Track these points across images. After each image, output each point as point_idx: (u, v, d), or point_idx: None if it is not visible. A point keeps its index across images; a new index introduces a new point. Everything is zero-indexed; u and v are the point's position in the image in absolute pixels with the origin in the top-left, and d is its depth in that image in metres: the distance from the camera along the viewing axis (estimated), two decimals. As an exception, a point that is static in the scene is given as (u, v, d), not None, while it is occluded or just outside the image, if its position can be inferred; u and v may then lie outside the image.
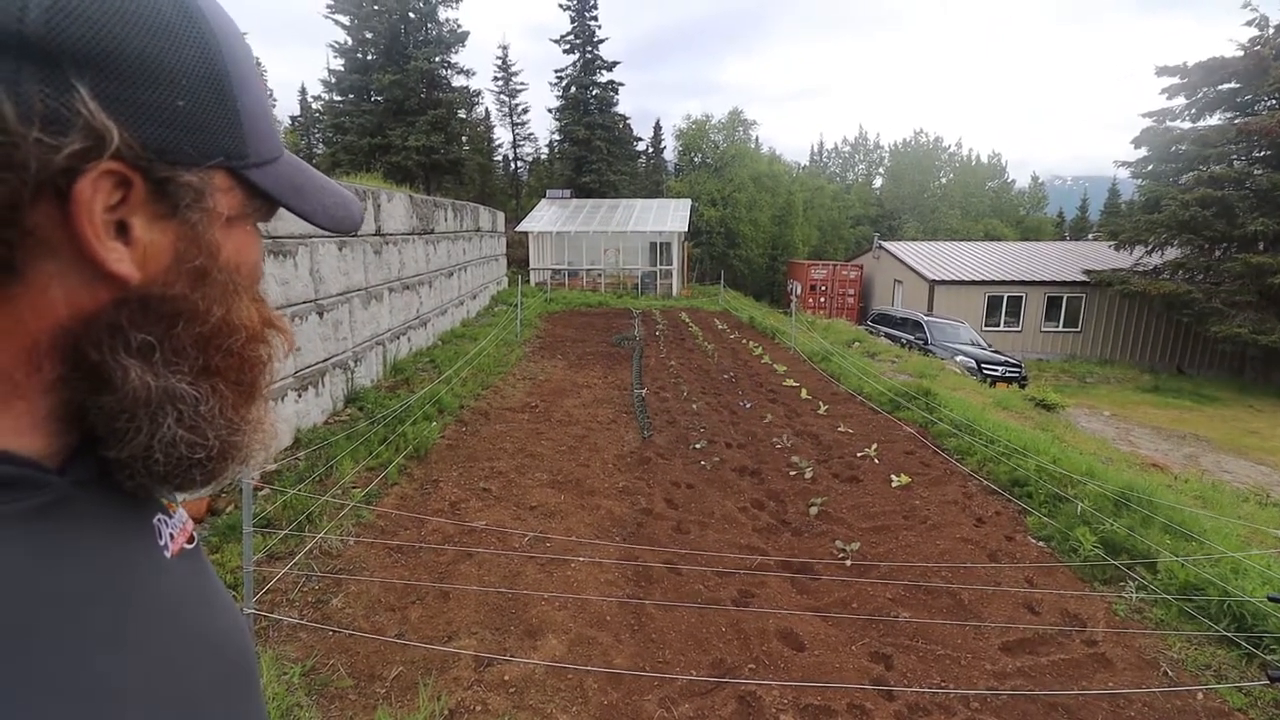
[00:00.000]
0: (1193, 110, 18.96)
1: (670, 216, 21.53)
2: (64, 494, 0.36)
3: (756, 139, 33.97)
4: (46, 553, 0.34)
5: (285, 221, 5.00)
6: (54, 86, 0.31)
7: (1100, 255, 21.04)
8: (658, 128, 37.86)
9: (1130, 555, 3.80)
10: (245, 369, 0.42)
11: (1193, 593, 3.38)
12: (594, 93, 30.54)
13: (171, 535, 0.44)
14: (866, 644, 3.03)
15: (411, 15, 24.48)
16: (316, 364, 5.64)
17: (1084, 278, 19.73)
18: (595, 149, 29.58)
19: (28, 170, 0.30)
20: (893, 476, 5.05)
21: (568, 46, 30.48)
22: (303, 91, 36.85)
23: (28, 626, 0.31)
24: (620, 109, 31.78)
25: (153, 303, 0.37)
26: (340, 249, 6.17)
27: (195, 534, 0.48)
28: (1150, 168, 20.41)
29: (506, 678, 2.70)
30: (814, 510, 4.47)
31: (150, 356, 0.37)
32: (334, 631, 2.93)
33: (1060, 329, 20.29)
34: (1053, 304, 20.21)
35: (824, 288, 25.22)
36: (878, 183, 46.58)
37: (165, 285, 0.37)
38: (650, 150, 37.14)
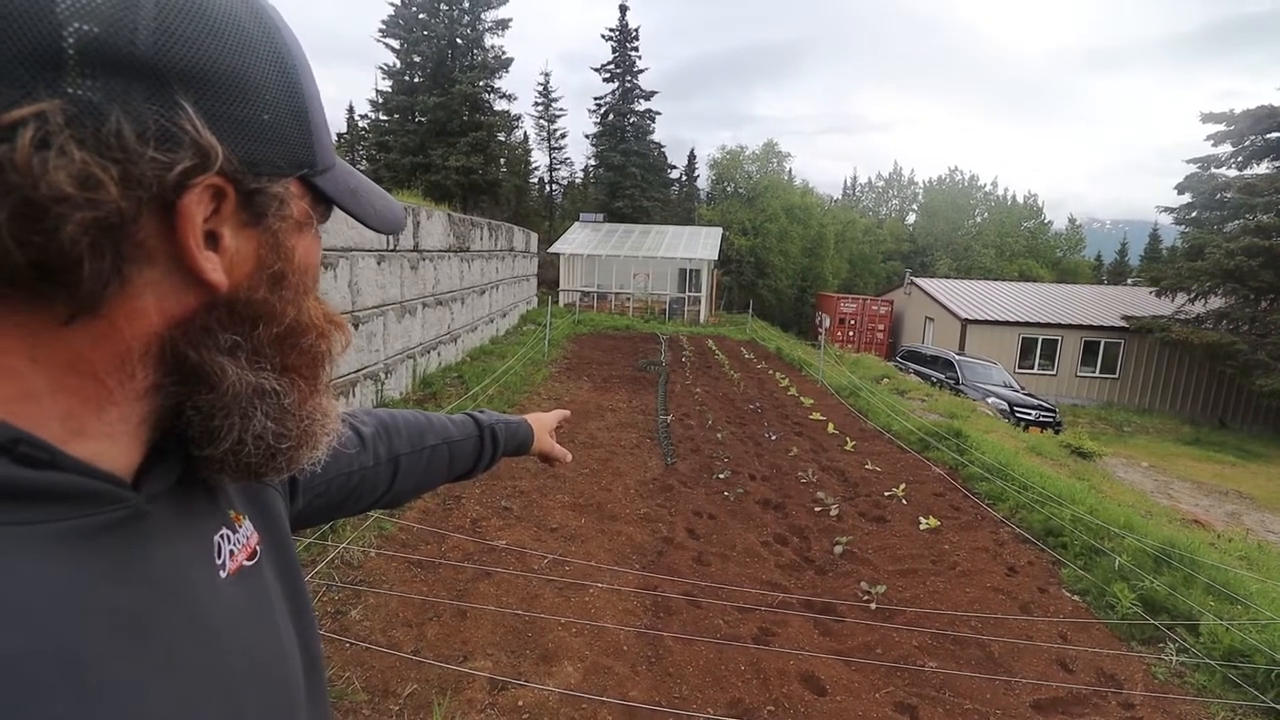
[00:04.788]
0: (1239, 158, 18.56)
1: (701, 244, 21.66)
2: (136, 509, 0.37)
3: (790, 171, 34.20)
4: (112, 571, 0.34)
5: (329, 235, 5.13)
6: (163, 105, 0.32)
7: (1140, 301, 20.52)
8: (692, 156, 38.35)
9: (1171, 615, 3.64)
10: (313, 364, 0.44)
11: (1238, 659, 3.21)
12: (631, 120, 31.12)
13: (232, 552, 0.44)
14: (891, 692, 2.93)
15: (459, 41, 25.34)
16: (349, 374, 5.74)
17: (1123, 323, 19.23)
18: (630, 175, 30.03)
19: (145, 187, 0.31)
20: (921, 518, 4.93)
21: (608, 75, 31.20)
22: (350, 110, 38.01)
23: (86, 646, 0.31)
24: (655, 137, 32.32)
25: (238, 306, 0.38)
26: (379, 263, 6.31)
27: (259, 548, 0.47)
28: (1194, 214, 19.97)
29: (520, 703, 2.66)
30: (839, 549, 4.38)
31: (238, 355, 0.38)
32: (351, 644, 2.93)
33: (1097, 374, 19.75)
34: (1089, 349, 19.71)
35: (853, 321, 25.01)
36: (911, 219, 46.26)
37: (249, 290, 0.38)
38: (683, 178, 37.57)
